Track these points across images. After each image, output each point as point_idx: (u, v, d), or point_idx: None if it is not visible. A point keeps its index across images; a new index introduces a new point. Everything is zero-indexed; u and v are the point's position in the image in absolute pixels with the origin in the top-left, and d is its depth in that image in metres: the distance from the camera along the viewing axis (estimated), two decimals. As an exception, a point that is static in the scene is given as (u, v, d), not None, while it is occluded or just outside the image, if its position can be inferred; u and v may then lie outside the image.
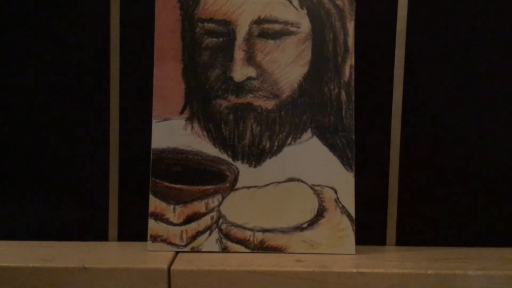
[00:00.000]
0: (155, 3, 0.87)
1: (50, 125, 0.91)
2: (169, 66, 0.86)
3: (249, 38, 0.86)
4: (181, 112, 0.86)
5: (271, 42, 0.86)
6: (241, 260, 0.82)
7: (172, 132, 0.86)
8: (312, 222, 0.85)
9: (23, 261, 0.80)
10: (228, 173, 0.86)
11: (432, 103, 0.91)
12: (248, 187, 0.86)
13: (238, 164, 0.86)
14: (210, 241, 0.85)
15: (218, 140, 0.86)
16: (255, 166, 0.86)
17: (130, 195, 0.91)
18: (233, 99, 0.86)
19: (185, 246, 0.85)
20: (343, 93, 0.86)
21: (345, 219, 0.85)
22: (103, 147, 0.91)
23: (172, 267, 0.79)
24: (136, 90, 0.91)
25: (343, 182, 0.85)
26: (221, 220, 0.85)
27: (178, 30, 0.87)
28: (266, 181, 0.86)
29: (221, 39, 0.86)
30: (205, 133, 0.86)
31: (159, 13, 0.87)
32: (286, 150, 0.86)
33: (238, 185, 0.86)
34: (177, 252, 0.85)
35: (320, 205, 0.85)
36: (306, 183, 0.86)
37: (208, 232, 0.85)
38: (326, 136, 0.86)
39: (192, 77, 0.86)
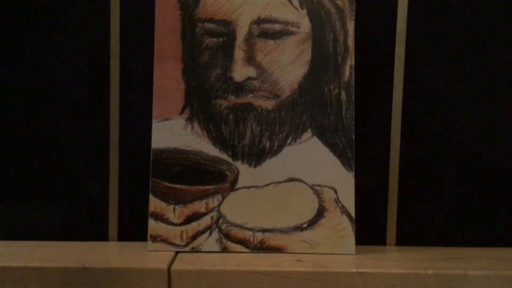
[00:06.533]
0: (155, 3, 0.87)
1: (50, 125, 0.91)
2: (169, 66, 0.86)
3: (249, 38, 0.86)
4: (181, 112, 0.86)
5: (271, 42, 0.86)
6: (241, 260, 0.82)
7: (172, 132, 0.86)
8: (312, 222, 0.85)
9: (23, 261, 0.80)
10: (228, 173, 0.86)
11: (432, 103, 0.91)
12: (248, 187, 0.86)
13: (238, 164, 0.86)
14: (210, 241, 0.85)
15: (218, 140, 0.86)
16: (255, 166, 0.86)
17: (130, 195, 0.92)
18: (233, 99, 0.86)
19: (185, 246, 0.85)
20: (343, 93, 0.86)
21: (345, 219, 0.85)
22: (103, 147, 0.91)
23: (172, 267, 0.79)
24: (136, 90, 0.91)
25: (343, 182, 0.85)
26: (221, 220, 0.85)
27: (178, 30, 0.87)
28: (266, 181, 0.86)
29: (221, 39, 0.86)
30: (205, 133, 0.86)
31: (159, 13, 0.87)
32: (286, 150, 0.86)
33: (238, 185, 0.86)
34: (177, 252, 0.85)
35: (320, 205, 0.85)
36: (306, 183, 0.86)
37: (208, 232, 0.85)
38: (326, 136, 0.86)
39: (192, 77, 0.86)
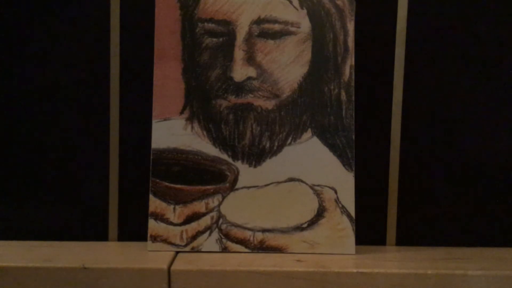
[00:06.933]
0: (155, 3, 0.87)
1: (50, 125, 0.91)
2: (169, 66, 0.86)
3: (249, 38, 0.86)
4: (181, 112, 0.86)
5: (271, 42, 0.86)
6: (241, 260, 0.82)
7: (172, 132, 0.86)
8: (312, 222, 0.85)
9: (23, 261, 0.80)
10: (228, 173, 0.86)
11: (432, 103, 0.91)
12: (248, 187, 0.86)
13: (238, 164, 0.86)
14: (210, 241, 0.85)
15: (218, 140, 0.86)
16: (255, 166, 0.86)
17: (130, 195, 0.91)
18: (233, 99, 0.86)
19: (185, 246, 0.85)
20: (343, 93, 0.86)
21: (345, 219, 0.85)
22: (103, 147, 0.91)
23: (172, 267, 0.79)
24: (136, 90, 0.91)
25: (343, 182, 0.85)
26: (221, 220, 0.85)
27: (178, 30, 0.87)
28: (266, 181, 0.86)
29: (221, 39, 0.86)
30: (205, 133, 0.86)
31: (159, 13, 0.87)
32: (286, 150, 0.86)
33: (238, 185, 0.86)
34: (177, 252, 0.85)
35: (320, 205, 0.85)
36: (306, 183, 0.86)
37: (208, 232, 0.85)
38: (326, 136, 0.86)
39: (192, 77, 0.86)
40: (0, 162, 0.92)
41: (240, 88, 0.86)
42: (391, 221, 0.92)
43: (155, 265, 0.79)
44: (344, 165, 0.85)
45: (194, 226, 0.85)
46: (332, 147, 0.86)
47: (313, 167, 0.86)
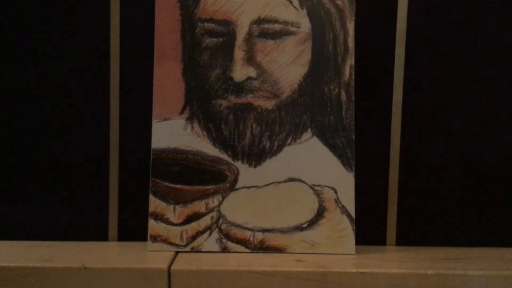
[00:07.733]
0: (155, 3, 0.87)
1: (50, 124, 0.91)
2: (169, 66, 0.86)
3: (249, 38, 0.86)
4: (181, 112, 0.86)
5: (271, 42, 0.86)
6: (241, 260, 0.82)
7: (172, 132, 0.86)
8: (312, 222, 0.85)
9: (23, 261, 0.80)
10: (228, 173, 0.86)
11: (432, 103, 0.91)
12: (248, 187, 0.86)
13: (238, 164, 0.86)
14: (210, 241, 0.85)
15: (218, 140, 0.86)
16: (255, 166, 0.86)
17: (130, 195, 0.92)
18: (233, 99, 0.86)
19: (185, 246, 0.85)
20: (343, 93, 0.86)
21: (345, 219, 0.85)
22: (103, 147, 0.91)
23: (172, 267, 0.79)
24: (136, 90, 0.91)
25: (343, 182, 0.85)
26: (221, 220, 0.85)
27: (178, 30, 0.87)
28: (266, 181, 0.86)
29: (221, 39, 0.86)
30: (205, 133, 0.86)
31: (159, 13, 0.87)
32: (286, 150, 0.86)
33: (238, 185, 0.86)
34: (177, 252, 0.85)
35: (320, 205, 0.85)
36: (306, 183, 0.86)
37: (208, 232, 0.85)
38: (326, 136, 0.86)
39: (192, 77, 0.86)
40: (0, 162, 0.92)
41: (240, 88, 0.86)
42: (391, 221, 0.92)
43: (155, 265, 0.79)
44: (344, 165, 0.86)
45: (194, 226, 0.85)
46: (332, 147, 0.86)
47: (313, 167, 0.86)
